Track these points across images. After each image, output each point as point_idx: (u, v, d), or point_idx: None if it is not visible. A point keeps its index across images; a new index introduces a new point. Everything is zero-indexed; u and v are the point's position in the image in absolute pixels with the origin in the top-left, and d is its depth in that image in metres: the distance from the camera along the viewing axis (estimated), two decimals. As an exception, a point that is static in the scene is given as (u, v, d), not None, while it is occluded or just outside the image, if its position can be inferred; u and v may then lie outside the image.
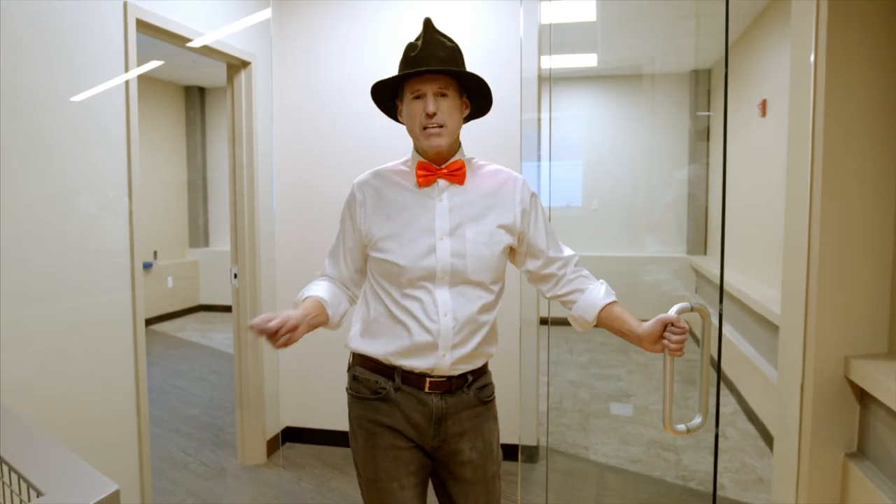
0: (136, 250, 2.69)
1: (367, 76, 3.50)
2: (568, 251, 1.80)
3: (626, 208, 7.27)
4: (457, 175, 1.66)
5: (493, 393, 1.78)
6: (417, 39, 1.63)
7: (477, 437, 1.71)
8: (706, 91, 7.15)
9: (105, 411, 2.60)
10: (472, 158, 1.74)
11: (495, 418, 1.79)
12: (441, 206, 1.64)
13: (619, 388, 5.02)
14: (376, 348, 1.66)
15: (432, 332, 1.60)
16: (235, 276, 3.59)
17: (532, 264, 1.75)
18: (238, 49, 3.39)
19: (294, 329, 1.49)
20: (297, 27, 3.64)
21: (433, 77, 1.58)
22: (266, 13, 3.55)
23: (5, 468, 1.14)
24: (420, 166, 1.65)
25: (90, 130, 2.49)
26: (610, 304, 1.72)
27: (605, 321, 1.72)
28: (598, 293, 1.73)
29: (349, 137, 3.62)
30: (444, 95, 1.60)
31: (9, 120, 2.13)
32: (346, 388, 1.76)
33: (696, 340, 1.92)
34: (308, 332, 1.57)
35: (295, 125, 3.69)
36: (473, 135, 3.62)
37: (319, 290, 1.71)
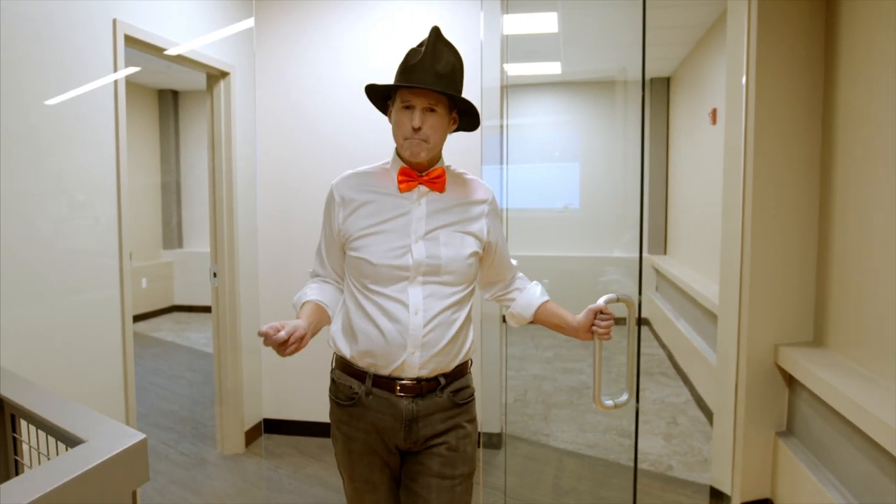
0: (119, 250, 2.88)
1: (344, 84, 3.77)
2: (513, 262, 1.94)
3: (592, 210, 7.56)
4: (436, 183, 1.70)
5: (471, 396, 1.81)
6: (421, 45, 1.65)
7: (450, 436, 1.73)
8: (665, 98, 7.47)
9: (94, 405, 2.79)
10: (450, 166, 1.79)
11: (472, 420, 1.80)
12: (419, 210, 1.68)
13: (580, 380, 5.29)
14: (349, 347, 1.70)
15: (401, 328, 1.62)
16: (215, 274, 3.78)
17: (491, 276, 1.89)
18: (217, 60, 3.59)
19: (302, 338, 1.52)
20: (279, 36, 3.85)
21: (425, 92, 1.60)
22: (248, 23, 3.75)
23: (32, 429, 1.35)
24: (402, 171, 1.68)
25: (79, 133, 2.67)
26: (545, 302, 1.89)
27: (541, 317, 1.88)
28: (534, 293, 1.90)
29: (328, 142, 3.84)
30: (432, 111, 1.62)
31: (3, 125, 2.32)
32: (329, 391, 1.81)
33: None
34: (312, 337, 1.61)
35: (276, 131, 3.90)
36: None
37: (316, 293, 1.76)
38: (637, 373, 2.18)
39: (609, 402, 1.92)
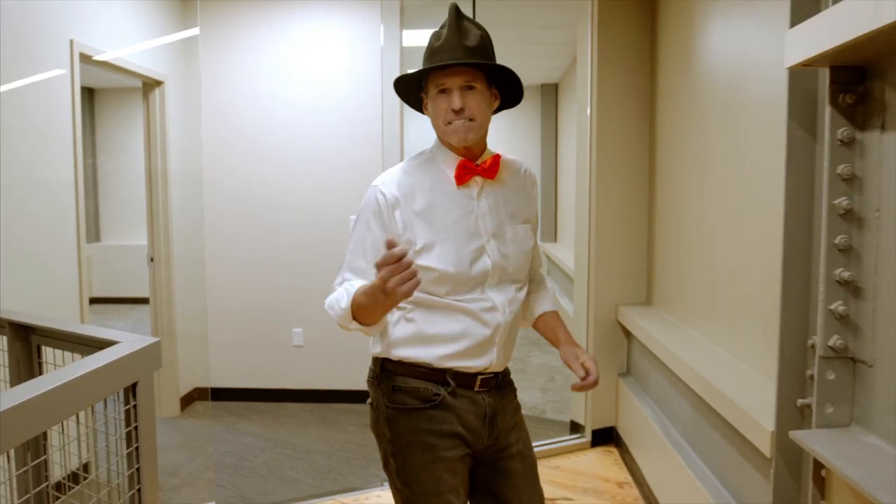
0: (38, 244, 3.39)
1: (283, 88, 4.36)
2: (540, 259, 1.85)
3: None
4: (491, 171, 1.58)
5: (512, 382, 1.77)
6: (442, 27, 1.53)
7: (521, 429, 1.72)
8: (554, 102, 8.34)
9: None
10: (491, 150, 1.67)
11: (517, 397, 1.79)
12: (481, 206, 1.58)
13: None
14: (429, 353, 1.56)
15: (493, 327, 1.56)
16: (152, 259, 4.30)
17: None
18: (152, 70, 4.11)
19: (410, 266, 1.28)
20: (221, 45, 4.45)
21: (458, 70, 1.48)
22: (187, 33, 4.29)
23: (58, 354, 1.92)
24: (461, 165, 1.56)
25: (37, 133, 3.17)
26: (548, 312, 1.78)
27: (539, 328, 1.78)
28: (543, 299, 1.81)
29: (270, 143, 4.47)
30: (471, 88, 1.50)
31: (-9, 135, 2.81)
32: (384, 404, 1.61)
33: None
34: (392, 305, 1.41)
35: (220, 133, 4.48)
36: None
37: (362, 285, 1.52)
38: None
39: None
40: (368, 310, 1.44)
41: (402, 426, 1.58)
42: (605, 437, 3.74)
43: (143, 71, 3.99)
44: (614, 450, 3.67)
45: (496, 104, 1.61)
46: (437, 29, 1.54)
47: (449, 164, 1.58)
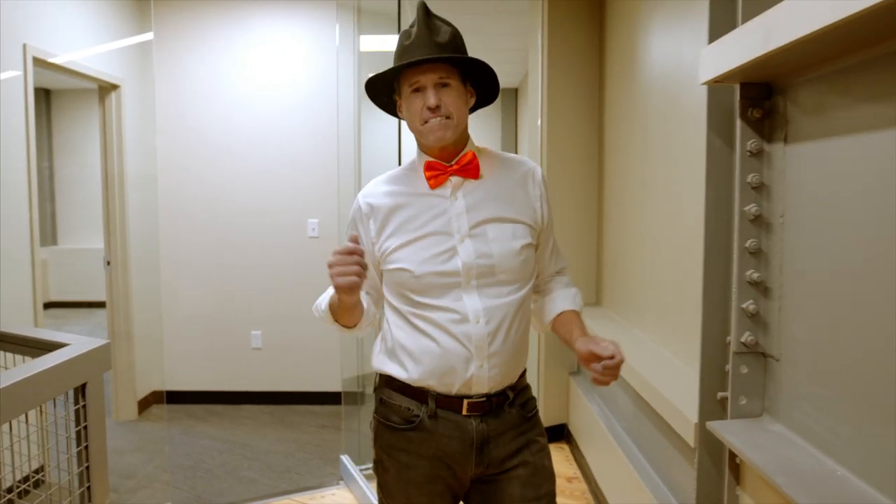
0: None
1: (239, 91, 4.40)
2: (563, 262, 1.73)
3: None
4: (469, 169, 1.51)
5: (535, 406, 1.60)
6: (412, 26, 1.47)
7: (526, 454, 1.53)
8: (514, 106, 8.49)
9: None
10: (484, 148, 1.60)
11: (544, 434, 1.60)
12: (456, 206, 1.49)
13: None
14: (404, 369, 1.50)
15: (465, 340, 1.44)
16: (108, 262, 4.29)
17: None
18: (108, 74, 4.11)
19: (361, 260, 1.33)
20: (178, 49, 4.49)
21: (432, 66, 1.42)
22: (144, 37, 4.31)
23: (9, 357, 1.96)
24: (428, 166, 1.50)
25: (-3, 145, 3.18)
26: (567, 311, 1.62)
27: (556, 328, 1.63)
28: (564, 297, 1.65)
29: (226, 147, 4.50)
30: (445, 85, 1.44)
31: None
32: (373, 414, 1.59)
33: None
34: (352, 300, 1.41)
35: (176, 137, 4.50)
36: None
37: None
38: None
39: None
40: (337, 308, 1.47)
41: (384, 440, 1.55)
42: (557, 434, 3.85)
43: (98, 74, 4.00)
44: (565, 446, 3.78)
45: (472, 101, 1.55)
46: (406, 28, 1.49)
47: (422, 165, 1.53)
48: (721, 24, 1.66)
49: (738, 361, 1.65)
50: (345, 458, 3.35)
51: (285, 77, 4.50)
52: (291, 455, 3.84)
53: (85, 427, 1.64)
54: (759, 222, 1.61)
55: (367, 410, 4.66)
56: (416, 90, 1.45)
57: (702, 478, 1.82)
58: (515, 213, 1.52)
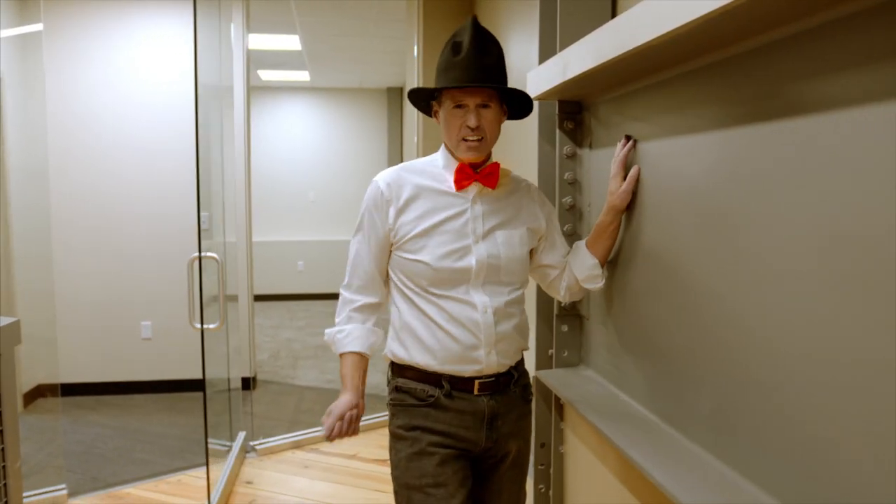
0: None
1: (128, 85, 4.49)
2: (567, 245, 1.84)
3: (335, 199, 8.76)
4: (490, 179, 1.63)
5: (532, 391, 1.78)
6: (458, 37, 1.57)
7: (521, 435, 1.73)
8: (399, 104, 8.83)
9: None
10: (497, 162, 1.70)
11: (531, 416, 1.81)
12: (475, 210, 1.62)
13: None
14: (418, 357, 1.62)
15: (475, 331, 1.58)
16: (-9, 257, 4.30)
17: (548, 258, 1.76)
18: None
19: (360, 416, 1.62)
20: (67, 42, 4.53)
21: (477, 89, 1.53)
22: (36, 27, 4.31)
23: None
24: (460, 169, 1.61)
25: None
26: (581, 242, 1.78)
27: (594, 248, 1.74)
28: (576, 246, 1.79)
29: (116, 140, 4.60)
30: (486, 107, 1.55)
31: None
32: (388, 401, 1.71)
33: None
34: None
35: (67, 129, 4.55)
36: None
37: (359, 341, 1.67)
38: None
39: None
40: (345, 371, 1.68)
41: (398, 421, 1.65)
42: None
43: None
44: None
45: (504, 118, 1.65)
46: (455, 39, 1.57)
47: (449, 168, 1.64)
48: (547, 49, 2.07)
49: (559, 322, 2.07)
50: (242, 435, 3.60)
51: (173, 71, 4.63)
52: (185, 437, 4.02)
53: (-1, 396, 1.84)
54: (573, 211, 2.04)
55: (260, 392, 4.90)
56: (459, 106, 1.55)
57: (539, 416, 2.23)
58: (522, 222, 1.67)
